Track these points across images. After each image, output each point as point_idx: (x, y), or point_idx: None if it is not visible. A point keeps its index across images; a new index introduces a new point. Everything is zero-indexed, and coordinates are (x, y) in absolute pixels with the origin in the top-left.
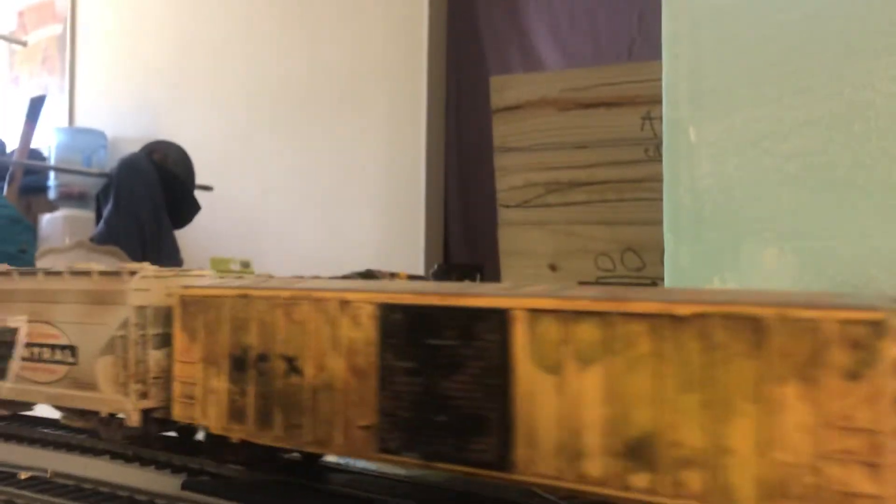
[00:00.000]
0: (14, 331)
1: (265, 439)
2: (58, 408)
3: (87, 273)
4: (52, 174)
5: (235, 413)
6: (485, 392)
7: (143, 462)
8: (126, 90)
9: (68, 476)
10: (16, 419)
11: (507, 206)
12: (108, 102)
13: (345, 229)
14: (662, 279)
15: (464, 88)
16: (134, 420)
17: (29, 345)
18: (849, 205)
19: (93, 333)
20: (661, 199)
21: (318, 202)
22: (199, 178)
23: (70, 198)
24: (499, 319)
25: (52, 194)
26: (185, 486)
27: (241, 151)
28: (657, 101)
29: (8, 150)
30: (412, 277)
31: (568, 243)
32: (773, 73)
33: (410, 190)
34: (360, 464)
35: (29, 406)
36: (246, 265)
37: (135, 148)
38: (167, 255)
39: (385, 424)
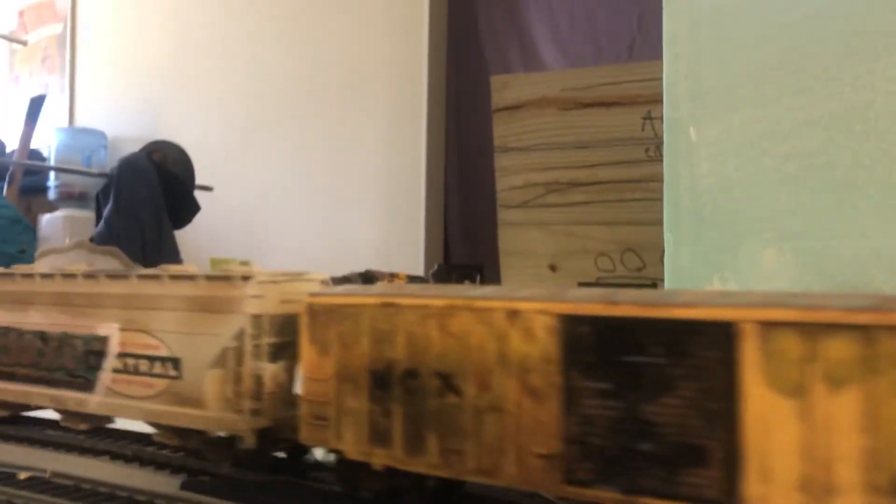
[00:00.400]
0: (104, 339)
1: (417, 466)
2: (154, 425)
3: (190, 277)
4: (52, 174)
5: (378, 436)
6: (703, 418)
7: (143, 462)
8: (126, 90)
9: (67, 476)
10: (15, 419)
11: (508, 207)
12: (108, 102)
13: (345, 229)
14: (662, 279)
15: (464, 88)
16: (249, 441)
17: (122, 355)
18: (848, 205)
19: (199, 344)
20: (661, 199)
21: (318, 202)
22: (199, 178)
23: (70, 198)
24: (721, 334)
25: (51, 194)
26: (184, 486)
27: (241, 151)
28: (657, 100)
29: (8, 150)
30: (412, 278)
31: (568, 243)
32: (772, 74)
33: (410, 190)
34: None
35: (110, 419)
36: (246, 265)
37: (135, 148)
38: (167, 256)
39: (572, 453)
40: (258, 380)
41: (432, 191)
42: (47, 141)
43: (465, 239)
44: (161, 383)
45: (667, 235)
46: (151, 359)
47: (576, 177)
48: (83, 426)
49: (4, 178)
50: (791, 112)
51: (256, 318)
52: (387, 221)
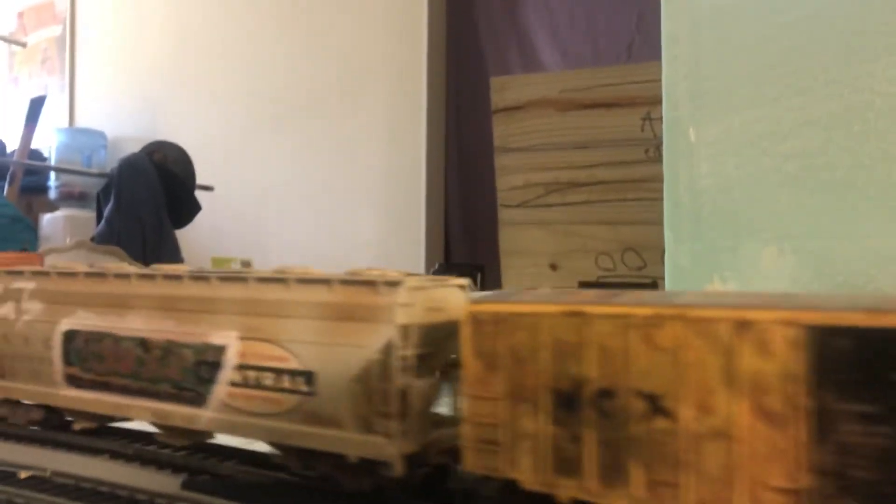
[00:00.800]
0: (220, 349)
1: (617, 500)
2: (277, 446)
3: (323, 282)
4: (52, 174)
5: (564, 464)
6: None
7: (143, 461)
8: (126, 90)
9: (68, 475)
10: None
11: (508, 206)
12: (108, 103)
13: (345, 229)
14: (663, 278)
15: (464, 88)
16: (398, 467)
17: (241, 367)
18: (848, 205)
19: (338, 357)
20: (661, 199)
21: (318, 202)
22: (200, 178)
23: (70, 198)
24: None
25: (52, 194)
26: (185, 486)
27: (241, 151)
28: (657, 101)
29: (8, 151)
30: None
31: (568, 243)
32: (772, 74)
33: (410, 190)
34: None
35: (210, 435)
36: (247, 265)
37: (135, 148)
38: (168, 255)
39: (827, 488)
40: (406, 398)
41: (432, 191)
42: (48, 141)
43: (465, 238)
44: (290, 399)
45: (667, 235)
46: (278, 372)
47: (576, 177)
48: (183, 442)
49: (5, 178)
50: (791, 112)
51: (405, 329)
52: (387, 221)
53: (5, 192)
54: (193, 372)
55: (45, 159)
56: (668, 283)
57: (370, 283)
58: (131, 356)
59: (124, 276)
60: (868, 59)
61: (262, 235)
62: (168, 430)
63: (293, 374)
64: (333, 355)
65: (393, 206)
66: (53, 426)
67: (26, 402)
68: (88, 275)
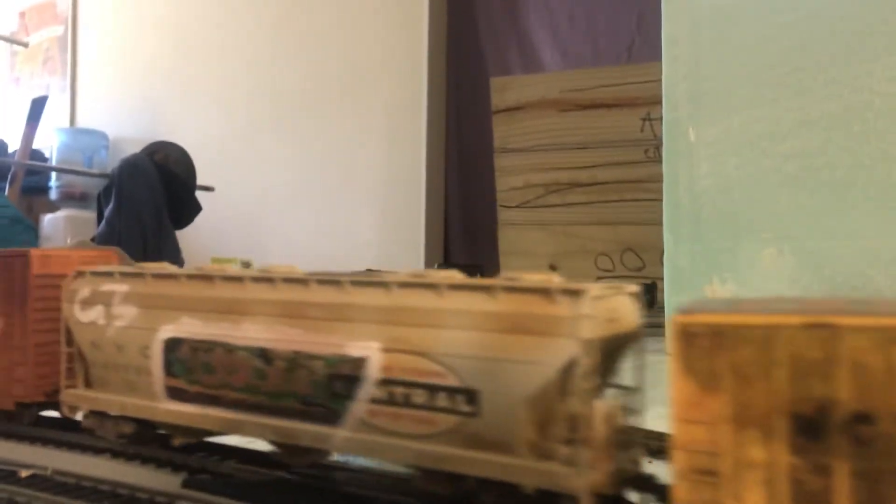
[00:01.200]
0: (359, 362)
1: None
2: (423, 469)
3: (482, 289)
4: (53, 175)
5: (805, 498)
6: None
7: (144, 460)
8: (127, 91)
9: (68, 474)
10: (15, 418)
11: (508, 207)
12: (110, 103)
13: (345, 229)
14: (662, 279)
15: (464, 88)
16: (586, 502)
17: (385, 382)
18: (847, 206)
19: (508, 374)
20: (661, 200)
21: (318, 202)
22: (200, 178)
23: (71, 198)
24: None
25: (53, 195)
26: (185, 485)
27: (242, 151)
28: (657, 102)
29: (10, 151)
30: None
31: (568, 243)
32: (771, 75)
33: (410, 190)
34: (361, 461)
35: (321, 454)
36: (247, 265)
37: (136, 148)
38: (169, 256)
39: None
40: (591, 421)
41: (432, 191)
42: (49, 141)
43: (465, 238)
44: (447, 420)
45: (666, 236)
46: (432, 388)
47: (576, 177)
48: (304, 462)
49: (6, 179)
50: (790, 113)
51: (590, 344)
52: (387, 221)
53: (6, 193)
54: (326, 386)
55: (46, 160)
56: (668, 284)
57: (544, 291)
58: (248, 368)
59: (236, 280)
60: (868, 59)
61: (262, 235)
62: (289, 449)
63: (452, 391)
64: (500, 372)
65: (393, 206)
66: (147, 441)
67: (117, 414)
68: (192, 277)
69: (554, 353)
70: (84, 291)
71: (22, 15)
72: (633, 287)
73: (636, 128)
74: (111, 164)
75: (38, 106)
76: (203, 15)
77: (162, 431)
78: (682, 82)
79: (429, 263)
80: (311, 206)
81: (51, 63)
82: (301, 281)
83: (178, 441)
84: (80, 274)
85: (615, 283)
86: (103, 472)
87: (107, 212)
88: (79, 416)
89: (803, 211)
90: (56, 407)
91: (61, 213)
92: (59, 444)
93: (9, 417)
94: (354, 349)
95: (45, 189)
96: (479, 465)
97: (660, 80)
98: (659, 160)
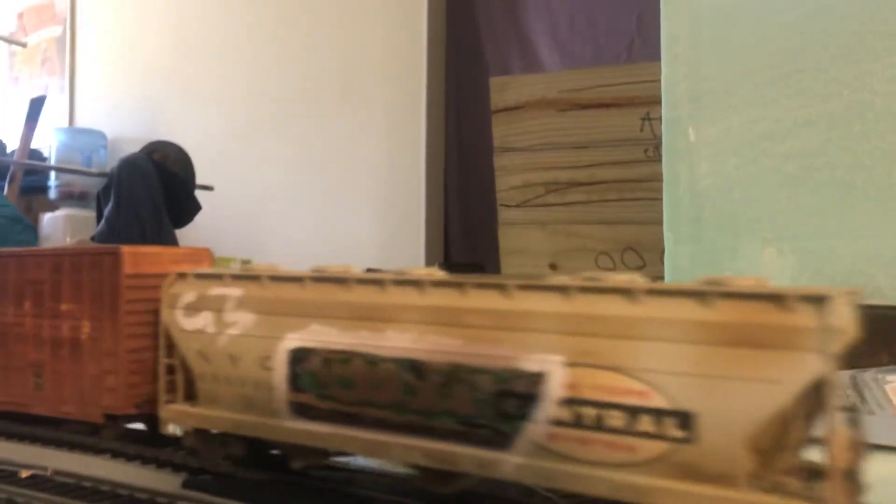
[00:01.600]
0: (535, 377)
1: None
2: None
3: (692, 294)
4: (52, 174)
5: None
6: None
7: (144, 461)
8: (126, 90)
9: (69, 474)
10: (15, 418)
11: (507, 206)
12: (108, 103)
13: (345, 228)
14: (663, 278)
15: (464, 88)
16: None
17: (571, 402)
18: (848, 205)
19: (733, 394)
20: (661, 199)
21: (318, 201)
22: (200, 178)
23: (70, 197)
24: None
25: (52, 194)
26: (185, 485)
27: (242, 151)
28: (656, 101)
29: (8, 151)
30: None
31: (568, 243)
32: (771, 74)
33: (410, 190)
34: (360, 461)
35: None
36: (247, 264)
37: (135, 148)
38: None
39: None
40: (841, 452)
41: (432, 191)
42: (48, 141)
43: (465, 238)
44: (653, 447)
45: (666, 235)
46: (633, 410)
47: (575, 177)
48: (449, 490)
49: (5, 178)
50: (790, 112)
51: (839, 360)
52: (387, 221)
53: (5, 192)
54: (493, 405)
55: (45, 159)
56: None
57: (777, 298)
58: (395, 382)
59: (376, 283)
60: (868, 59)
61: (262, 235)
62: (435, 474)
63: (658, 413)
64: (722, 392)
65: (392, 205)
66: (263, 466)
67: (224, 432)
68: (321, 280)
69: (796, 371)
70: (188, 296)
71: (20, 16)
72: (853, 289)
73: (636, 127)
74: (110, 163)
75: (36, 106)
76: (203, 15)
77: (277, 452)
78: (681, 82)
79: (429, 262)
80: (311, 206)
81: (49, 63)
82: (455, 284)
83: (297, 464)
84: (182, 276)
85: (833, 287)
86: (103, 473)
87: (106, 211)
88: (171, 430)
89: (803, 211)
90: (146, 420)
91: (60, 213)
92: (59, 445)
93: (94, 430)
94: (529, 363)
95: (44, 188)
96: (692, 500)
97: (659, 80)
98: (658, 160)
